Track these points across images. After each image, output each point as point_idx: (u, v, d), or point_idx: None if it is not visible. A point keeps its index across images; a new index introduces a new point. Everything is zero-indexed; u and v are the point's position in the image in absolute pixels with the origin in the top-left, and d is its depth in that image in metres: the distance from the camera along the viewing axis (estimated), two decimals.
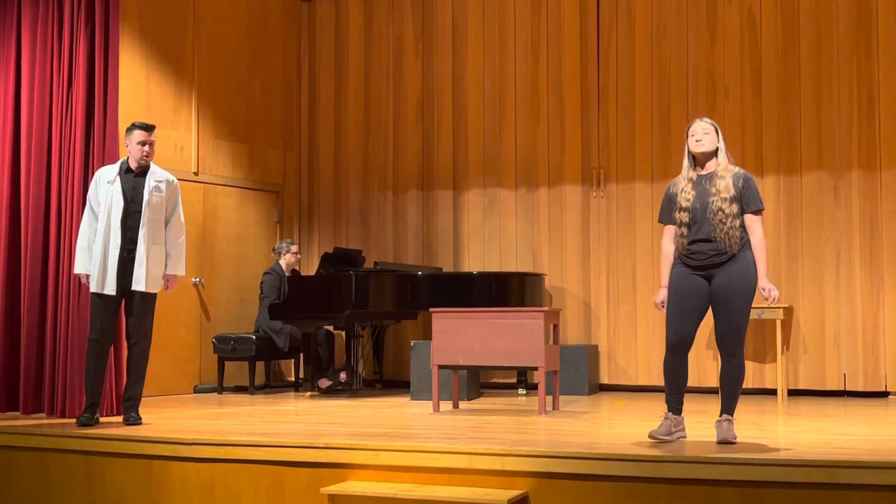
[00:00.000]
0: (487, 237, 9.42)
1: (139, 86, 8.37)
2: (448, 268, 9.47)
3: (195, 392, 8.79)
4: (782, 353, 8.13)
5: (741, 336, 5.14)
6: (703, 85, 8.77)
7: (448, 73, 9.63)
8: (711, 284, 5.17)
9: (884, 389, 8.10)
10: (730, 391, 5.22)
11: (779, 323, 8.07)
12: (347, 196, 9.95)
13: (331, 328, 9.01)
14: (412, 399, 8.02)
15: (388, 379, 9.46)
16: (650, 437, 5.22)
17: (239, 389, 8.89)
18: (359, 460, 5.09)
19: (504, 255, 9.35)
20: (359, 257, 9.14)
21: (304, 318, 8.36)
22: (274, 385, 9.42)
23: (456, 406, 7.28)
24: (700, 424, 5.82)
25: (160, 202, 6.29)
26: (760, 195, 5.24)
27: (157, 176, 6.34)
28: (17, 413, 6.87)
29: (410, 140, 9.74)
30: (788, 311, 8.29)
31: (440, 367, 7.02)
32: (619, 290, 8.91)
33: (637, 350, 8.81)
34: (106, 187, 6.27)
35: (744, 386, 8.28)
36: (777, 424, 6.30)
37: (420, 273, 8.60)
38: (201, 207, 9.00)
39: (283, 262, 8.99)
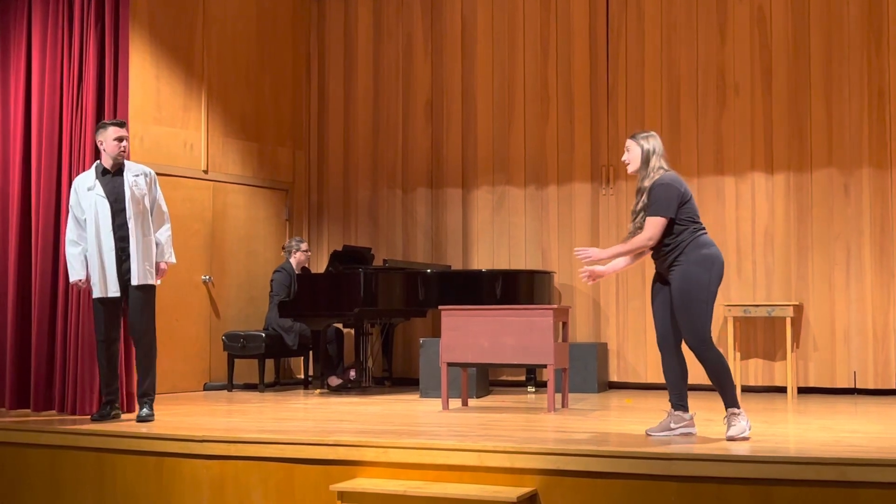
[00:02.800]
0: (496, 235, 9.42)
1: (149, 84, 8.39)
2: (457, 265, 9.47)
3: (205, 390, 8.81)
4: (792, 351, 8.11)
5: (699, 335, 5.16)
6: (712, 83, 8.75)
7: (457, 70, 9.63)
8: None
9: (894, 387, 8.07)
10: (718, 385, 5.24)
11: (789, 321, 8.05)
12: (357, 194, 9.96)
13: (340, 326, 9.02)
14: (421, 396, 8.03)
15: (398, 376, 9.47)
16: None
17: (249, 387, 8.91)
18: (368, 457, 5.10)
19: (513, 253, 9.35)
20: (368, 255, 9.15)
21: (314, 315, 8.37)
22: (283, 382, 9.44)
23: (465, 403, 7.29)
24: (709, 422, 5.81)
25: (142, 195, 6.34)
26: (671, 202, 5.16)
27: (133, 171, 6.40)
28: (29, 410, 6.90)
29: (420, 138, 9.75)
30: (798, 309, 8.27)
31: (449, 364, 7.03)
32: (629, 287, 8.90)
33: (646, 347, 8.80)
34: (87, 194, 6.32)
35: (754, 383, 8.45)
36: (787, 422, 6.29)
37: (429, 271, 8.61)
38: (211, 205, 9.01)
39: (293, 261, 9.00)
